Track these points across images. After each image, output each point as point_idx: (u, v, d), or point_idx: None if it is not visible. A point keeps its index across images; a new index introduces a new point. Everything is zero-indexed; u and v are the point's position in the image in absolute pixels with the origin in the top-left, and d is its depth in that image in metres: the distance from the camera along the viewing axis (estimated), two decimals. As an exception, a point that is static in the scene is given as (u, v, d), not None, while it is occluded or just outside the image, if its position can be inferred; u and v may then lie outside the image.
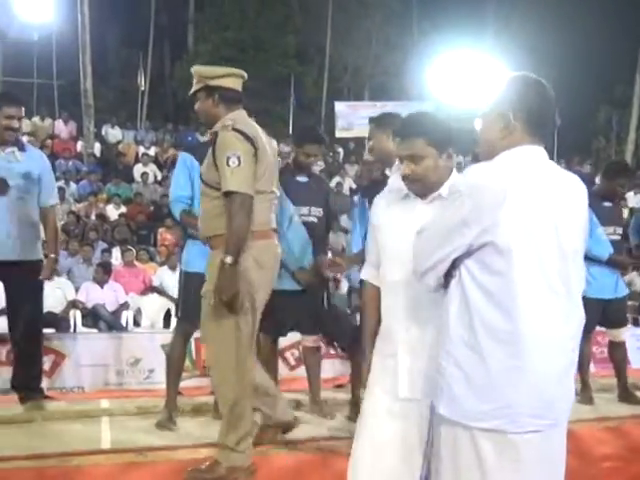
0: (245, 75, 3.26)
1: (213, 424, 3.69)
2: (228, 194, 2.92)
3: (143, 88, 20.63)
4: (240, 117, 3.09)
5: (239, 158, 2.90)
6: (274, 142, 3.28)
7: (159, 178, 14.24)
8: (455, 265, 1.86)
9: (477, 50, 19.84)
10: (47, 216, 4.13)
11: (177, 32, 25.16)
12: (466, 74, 19.48)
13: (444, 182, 2.24)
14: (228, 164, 2.90)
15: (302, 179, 4.08)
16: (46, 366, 5.58)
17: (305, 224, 4.03)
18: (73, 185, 13.13)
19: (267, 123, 4.08)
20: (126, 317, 7.89)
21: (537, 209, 1.78)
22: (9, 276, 3.91)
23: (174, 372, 3.82)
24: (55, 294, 7.34)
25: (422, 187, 2.25)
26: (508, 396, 1.77)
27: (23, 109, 3.98)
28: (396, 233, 2.28)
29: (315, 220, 4.09)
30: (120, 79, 23.38)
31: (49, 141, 15.11)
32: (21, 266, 3.90)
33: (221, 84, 3.13)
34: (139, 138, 16.74)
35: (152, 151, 15.51)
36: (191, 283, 3.72)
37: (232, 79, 3.17)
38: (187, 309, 3.81)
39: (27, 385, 4.02)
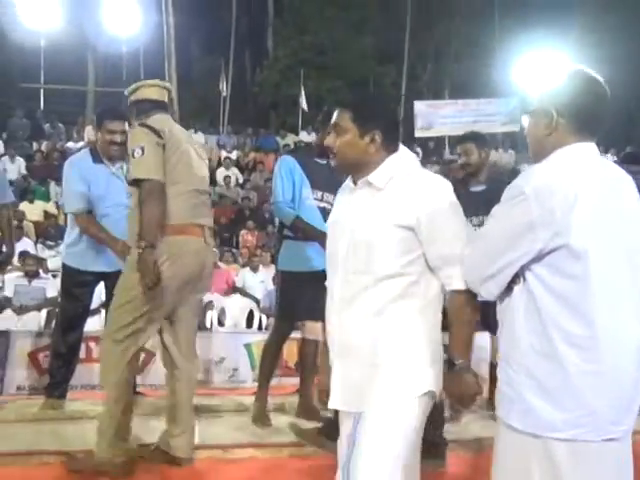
0: (163, 84, 3.37)
1: (299, 423, 3.75)
2: (136, 183, 3.04)
3: (225, 94, 21.09)
4: (155, 118, 3.17)
5: (142, 148, 3.03)
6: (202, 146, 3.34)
7: (241, 181, 14.56)
8: (517, 272, 1.78)
9: (563, 46, 19.21)
10: None
11: (257, 38, 25.64)
12: (552, 70, 18.87)
13: (374, 168, 2.03)
14: (133, 156, 3.04)
15: None
16: (137, 364, 5.78)
17: None
18: (159, 189, 13.58)
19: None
20: (210, 317, 8.08)
21: (605, 209, 1.73)
22: (110, 280, 4.08)
23: (267, 369, 3.88)
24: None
25: (341, 164, 2.09)
26: (589, 403, 1.71)
27: (126, 123, 3.97)
28: (331, 231, 2.12)
29: None
30: (203, 85, 24.02)
31: (137, 147, 15.72)
32: (120, 272, 4.05)
33: (136, 98, 3.30)
34: (221, 142, 17.14)
35: (234, 155, 15.85)
36: (288, 282, 3.79)
37: (142, 90, 3.31)
38: (284, 308, 3.86)
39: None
